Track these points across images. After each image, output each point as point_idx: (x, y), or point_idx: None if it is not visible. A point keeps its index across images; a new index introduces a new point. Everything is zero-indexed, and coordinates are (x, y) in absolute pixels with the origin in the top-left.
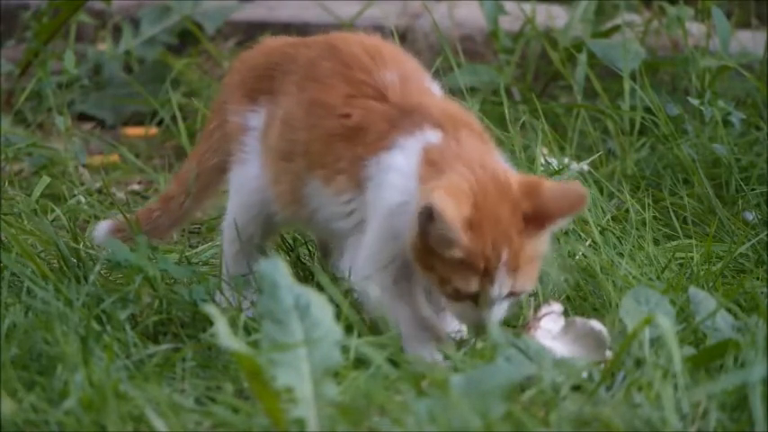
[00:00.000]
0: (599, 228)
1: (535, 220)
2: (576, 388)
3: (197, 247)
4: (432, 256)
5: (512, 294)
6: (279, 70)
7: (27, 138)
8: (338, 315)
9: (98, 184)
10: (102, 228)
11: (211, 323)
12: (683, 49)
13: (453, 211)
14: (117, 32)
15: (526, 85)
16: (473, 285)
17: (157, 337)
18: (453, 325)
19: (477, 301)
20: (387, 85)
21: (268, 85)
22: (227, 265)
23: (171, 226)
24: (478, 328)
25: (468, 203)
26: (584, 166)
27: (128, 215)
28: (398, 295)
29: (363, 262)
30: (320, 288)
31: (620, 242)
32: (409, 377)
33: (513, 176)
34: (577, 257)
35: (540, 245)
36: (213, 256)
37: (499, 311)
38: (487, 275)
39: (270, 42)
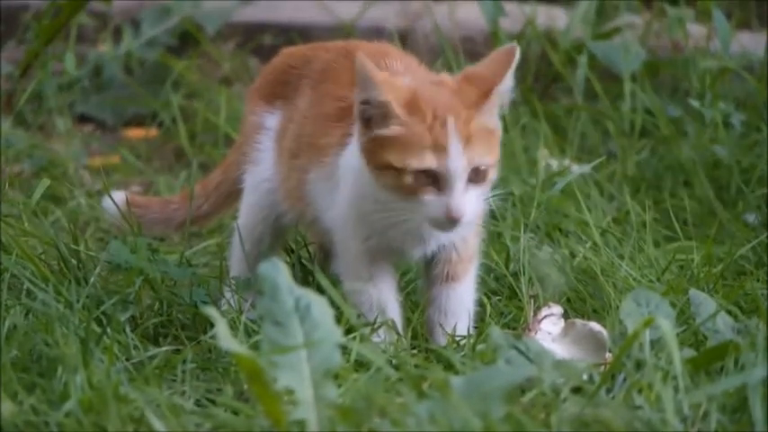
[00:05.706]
0: (599, 229)
1: (479, 90)
2: (577, 390)
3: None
4: (382, 149)
5: (474, 173)
6: (295, 75)
7: (27, 139)
8: (339, 317)
9: (98, 186)
10: (114, 198)
11: (212, 325)
12: (684, 51)
13: (377, 72)
14: (117, 34)
15: (527, 87)
16: (428, 160)
17: (158, 339)
18: (459, 327)
19: (439, 186)
20: (391, 71)
21: (284, 90)
22: (232, 266)
23: (184, 224)
24: (450, 222)
25: (403, 90)
26: (586, 168)
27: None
28: (370, 278)
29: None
30: (321, 290)
31: (621, 244)
32: (410, 379)
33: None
34: (578, 259)
35: (492, 118)
36: (214, 257)
37: (469, 201)
38: (439, 147)
39: (290, 49)
